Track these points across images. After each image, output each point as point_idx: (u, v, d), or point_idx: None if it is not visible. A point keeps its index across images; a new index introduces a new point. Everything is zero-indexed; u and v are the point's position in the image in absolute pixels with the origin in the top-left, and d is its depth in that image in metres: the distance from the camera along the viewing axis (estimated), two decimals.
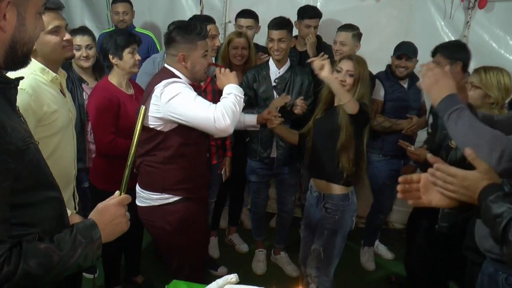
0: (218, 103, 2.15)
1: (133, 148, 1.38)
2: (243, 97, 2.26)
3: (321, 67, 2.35)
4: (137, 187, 2.35)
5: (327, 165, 2.52)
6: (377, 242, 3.81)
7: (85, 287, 3.04)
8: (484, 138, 1.50)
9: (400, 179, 1.38)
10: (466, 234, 2.55)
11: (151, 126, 2.20)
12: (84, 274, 3.12)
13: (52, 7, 1.90)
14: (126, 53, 2.61)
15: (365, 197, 3.81)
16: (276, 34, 3.03)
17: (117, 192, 1.38)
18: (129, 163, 1.38)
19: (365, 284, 3.45)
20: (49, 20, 1.89)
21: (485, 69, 2.36)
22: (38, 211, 1.23)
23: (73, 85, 2.80)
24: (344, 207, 2.55)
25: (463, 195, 1.29)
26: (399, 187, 1.37)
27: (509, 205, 1.17)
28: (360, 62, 2.50)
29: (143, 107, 1.40)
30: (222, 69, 2.36)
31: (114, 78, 2.69)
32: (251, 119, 2.76)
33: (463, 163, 2.36)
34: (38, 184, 1.22)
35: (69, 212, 1.92)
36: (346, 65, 2.48)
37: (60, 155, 2.01)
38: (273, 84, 3.15)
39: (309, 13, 3.53)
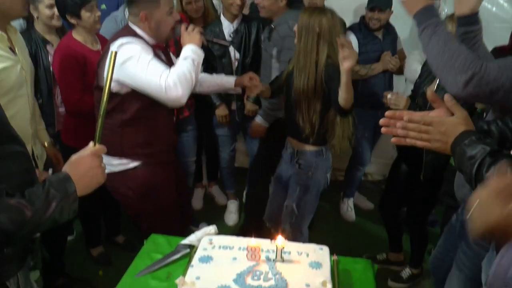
0: (173, 68, 2.03)
1: (105, 96, 1.31)
2: (201, 60, 2.12)
3: (346, 57, 2.01)
4: None
5: (297, 123, 2.45)
6: (356, 194, 3.85)
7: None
8: (458, 59, 1.43)
9: (386, 113, 1.33)
10: (444, 181, 2.59)
11: None
12: None
13: None
14: (84, 12, 2.48)
15: (344, 150, 3.82)
16: None
17: (91, 143, 1.32)
18: (101, 112, 1.32)
19: (346, 234, 3.50)
20: None
21: None
22: (3, 166, 1.19)
23: (37, 47, 2.64)
24: (317, 164, 2.50)
25: (437, 142, 1.25)
26: (382, 121, 1.33)
27: (482, 145, 1.14)
28: (311, 13, 2.30)
29: (113, 52, 1.33)
30: (190, 27, 2.20)
31: (78, 34, 2.57)
32: (228, 82, 2.61)
33: None
34: (0, 137, 1.17)
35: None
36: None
37: (12, 114, 1.89)
38: (229, 39, 3.03)
39: None
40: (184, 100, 2.04)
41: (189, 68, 2.04)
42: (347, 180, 3.75)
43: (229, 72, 3.04)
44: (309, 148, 2.49)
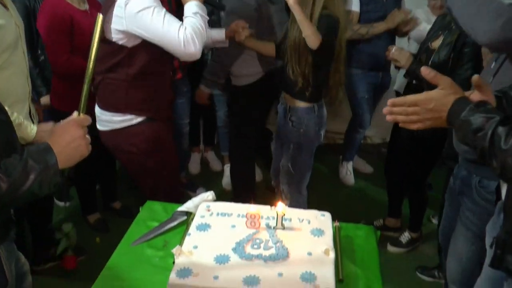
0: (185, 23, 1.96)
1: (91, 63, 1.23)
2: (207, 17, 2.07)
3: None
4: (97, 110, 2.18)
5: (288, 78, 2.37)
6: (355, 157, 3.79)
7: (58, 215, 2.99)
8: (491, 4, 1.36)
9: (388, 101, 1.25)
10: (446, 142, 2.52)
11: (113, 40, 2.00)
12: (56, 202, 3.05)
13: None
14: None
15: (344, 112, 3.76)
16: None
17: (75, 113, 1.23)
18: (87, 80, 1.23)
19: (345, 198, 3.47)
20: None
21: None
22: None
23: (35, 1, 2.52)
24: (309, 121, 2.44)
25: (429, 120, 1.17)
26: (385, 110, 1.25)
27: (485, 114, 1.06)
28: None
29: (100, 16, 1.23)
30: None
31: None
32: (218, 34, 2.56)
33: (445, 66, 2.28)
34: None
35: (34, 128, 1.78)
36: None
37: (11, 72, 1.85)
38: None
39: None
40: (199, 55, 1.99)
41: (201, 23, 1.98)
42: (346, 143, 3.69)
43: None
44: (301, 104, 2.43)
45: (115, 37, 1.98)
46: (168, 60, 2.16)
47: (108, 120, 2.15)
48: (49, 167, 1.10)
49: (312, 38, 2.16)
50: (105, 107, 2.14)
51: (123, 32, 1.96)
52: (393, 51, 2.44)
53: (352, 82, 3.35)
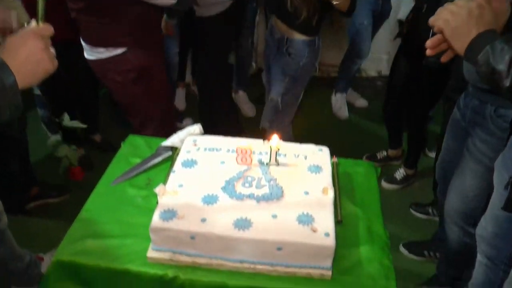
0: None
1: None
2: None
3: None
4: (82, 41, 2.04)
5: (288, 8, 2.14)
6: (349, 91, 3.63)
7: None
8: None
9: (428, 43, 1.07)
10: (452, 75, 2.36)
11: None
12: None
13: None
14: None
15: (339, 43, 3.55)
16: None
17: (33, 22, 1.01)
18: None
19: (340, 132, 3.34)
20: None
21: None
22: None
23: None
24: (310, 53, 2.27)
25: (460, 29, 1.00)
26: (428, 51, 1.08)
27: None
28: None
29: None
30: None
31: None
32: None
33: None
34: None
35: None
36: None
37: None
38: None
39: None
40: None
41: None
42: (341, 75, 3.51)
43: None
44: (302, 37, 2.23)
45: None
46: None
47: (93, 50, 2.01)
48: (5, 87, 0.91)
49: (346, 2, 2.01)
50: (86, 41, 2.01)
51: None
52: None
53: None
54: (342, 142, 3.11)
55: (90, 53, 2.04)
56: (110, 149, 2.91)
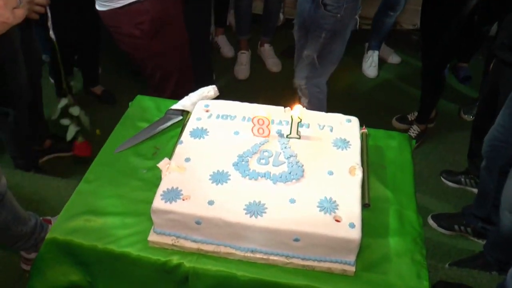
0: None
1: None
2: None
3: None
4: None
5: None
6: (383, 46, 3.37)
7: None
8: None
9: None
10: (501, 30, 2.10)
11: None
12: None
13: None
14: None
15: None
16: None
17: None
18: None
19: (368, 91, 3.12)
20: None
21: None
22: None
23: None
24: (348, 3, 2.04)
25: None
26: None
27: None
28: None
29: None
30: None
31: None
32: None
33: None
34: None
35: None
36: None
37: None
38: None
39: None
40: None
41: None
42: (374, 29, 3.24)
43: None
44: None
45: None
46: None
47: None
48: None
49: None
50: None
51: None
52: None
53: None
54: (372, 102, 2.92)
55: (101, 4, 1.84)
56: (111, 101, 2.86)
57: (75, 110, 2.38)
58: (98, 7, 1.86)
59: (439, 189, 2.46)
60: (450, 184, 2.48)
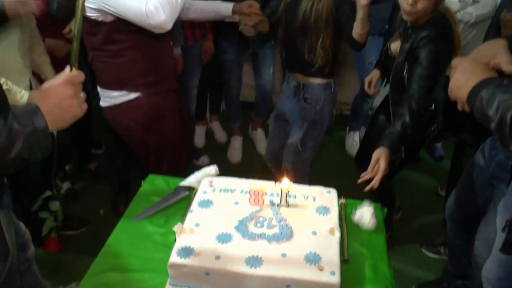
0: None
1: (79, 10, 1.09)
2: None
3: None
4: (98, 87, 2.15)
5: (303, 57, 2.28)
6: (362, 128, 3.72)
7: None
8: None
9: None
10: (459, 114, 2.42)
11: (91, 17, 1.90)
12: None
13: None
14: None
15: (351, 82, 3.66)
16: None
17: (67, 69, 1.11)
18: (75, 33, 1.11)
19: (351, 170, 3.40)
20: None
21: None
22: None
23: None
24: (326, 97, 2.37)
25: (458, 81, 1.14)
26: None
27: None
28: None
29: None
30: None
31: None
32: (225, 8, 2.40)
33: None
34: None
35: (25, 94, 1.72)
36: None
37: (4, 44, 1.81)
38: None
39: None
40: (168, 25, 1.86)
41: None
42: (353, 113, 3.60)
43: None
44: (318, 81, 2.34)
45: (91, 14, 1.89)
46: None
47: (108, 96, 2.10)
48: (37, 130, 1.01)
49: (365, 35, 2.10)
50: (102, 85, 2.10)
51: (95, 9, 1.87)
52: None
53: None
54: (354, 180, 3.19)
55: (104, 100, 2.13)
56: (106, 175, 2.96)
57: (54, 206, 2.42)
58: (101, 103, 2.15)
59: (420, 260, 2.62)
60: (431, 254, 2.63)
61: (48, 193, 2.30)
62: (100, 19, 1.89)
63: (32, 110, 1.02)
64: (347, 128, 3.67)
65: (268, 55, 3.18)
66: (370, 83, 2.35)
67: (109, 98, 2.10)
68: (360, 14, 2.01)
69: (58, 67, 2.22)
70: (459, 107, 1.18)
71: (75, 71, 1.10)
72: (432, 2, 1.88)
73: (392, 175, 2.31)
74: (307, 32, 2.21)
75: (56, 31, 2.40)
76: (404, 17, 1.94)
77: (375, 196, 2.37)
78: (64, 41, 2.46)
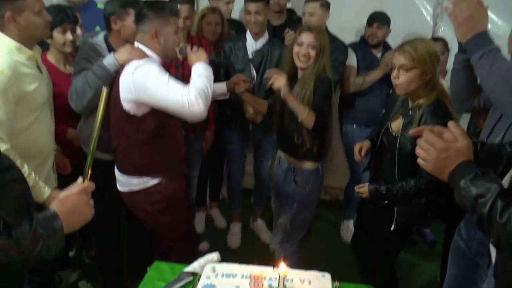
0: (190, 85, 2.07)
1: (95, 133, 1.32)
2: (212, 75, 2.19)
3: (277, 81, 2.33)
4: (116, 172, 2.30)
5: (293, 140, 2.49)
6: (356, 215, 3.83)
7: None
8: None
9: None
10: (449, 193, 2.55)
11: (124, 108, 2.12)
12: None
13: None
14: (56, 33, 2.51)
15: (344, 168, 3.84)
16: (253, 6, 2.98)
17: (79, 179, 1.33)
18: (91, 148, 1.33)
19: (346, 257, 3.48)
20: (33, 1, 1.90)
21: (410, 45, 2.08)
22: (1, 195, 1.22)
23: None
24: (315, 180, 2.54)
25: (434, 167, 1.21)
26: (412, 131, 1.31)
27: (488, 183, 1.12)
28: (320, 33, 2.42)
29: (104, 89, 1.34)
30: (194, 47, 2.29)
31: (52, 55, 2.61)
32: (220, 87, 2.71)
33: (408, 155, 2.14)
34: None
35: (47, 191, 1.90)
36: (307, 38, 2.39)
37: (37, 130, 1.98)
38: (250, 57, 3.09)
39: None
40: (205, 114, 2.07)
41: (206, 84, 2.09)
42: (346, 201, 3.75)
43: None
44: (307, 165, 2.52)
45: (125, 105, 2.10)
46: (177, 122, 2.26)
47: (127, 182, 2.26)
48: (55, 233, 1.19)
49: (307, 121, 2.32)
50: (123, 171, 2.26)
51: (132, 100, 2.08)
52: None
53: (348, 138, 3.48)
54: (348, 265, 3.25)
55: (123, 185, 2.28)
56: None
57: (83, 285, 2.60)
58: (119, 187, 2.30)
59: None
60: None
61: (74, 276, 2.37)
62: (132, 112, 2.10)
63: (52, 216, 1.22)
64: (342, 215, 3.78)
65: (269, 149, 3.37)
66: (360, 150, 2.45)
67: (128, 184, 2.26)
68: (288, 103, 2.33)
69: (71, 156, 2.47)
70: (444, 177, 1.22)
71: (87, 182, 1.32)
72: (415, 77, 2.06)
73: (392, 258, 2.44)
74: (295, 119, 2.40)
75: (74, 117, 2.56)
76: (396, 91, 2.16)
77: (379, 282, 2.49)
78: None
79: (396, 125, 2.23)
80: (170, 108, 2.05)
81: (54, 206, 1.25)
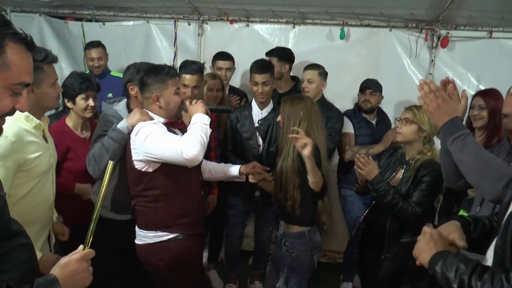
0: (185, 134, 2.24)
1: (99, 202, 1.38)
2: (208, 122, 2.32)
3: (304, 145, 2.27)
4: (136, 227, 2.40)
5: (285, 207, 2.54)
6: (356, 277, 3.80)
7: None
8: (493, 166, 1.56)
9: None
10: None
11: (137, 168, 2.27)
12: None
13: (52, 61, 2.00)
14: (79, 99, 2.67)
15: (343, 231, 3.84)
16: (260, 77, 3.10)
17: (80, 247, 1.37)
18: (94, 216, 1.38)
19: None
20: (51, 74, 2.00)
21: (417, 106, 2.58)
22: (8, 259, 1.24)
23: None
24: (300, 245, 2.54)
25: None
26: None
27: (462, 264, 1.25)
28: (284, 102, 2.59)
29: (110, 163, 1.42)
30: (193, 101, 2.44)
31: (71, 120, 2.76)
32: (234, 170, 2.77)
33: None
34: (4, 235, 1.23)
35: (39, 254, 1.93)
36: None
37: (36, 198, 2.01)
38: (256, 125, 3.20)
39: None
40: (200, 158, 2.21)
41: (199, 131, 2.23)
42: (345, 264, 3.73)
43: (255, 154, 3.17)
44: (294, 229, 2.55)
45: (138, 165, 2.27)
46: (192, 179, 2.39)
47: (143, 236, 2.35)
48: None
49: (319, 183, 2.39)
50: (141, 226, 2.36)
51: (141, 160, 2.25)
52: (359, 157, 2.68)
53: (347, 203, 3.52)
54: None
55: (140, 239, 2.37)
56: None
57: None
58: (136, 241, 2.38)
59: None
60: None
61: None
62: (144, 169, 2.25)
63: (52, 280, 1.26)
64: (341, 277, 3.76)
65: (270, 218, 3.43)
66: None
67: (144, 237, 2.34)
68: (307, 164, 2.32)
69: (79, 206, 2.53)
70: (417, 262, 1.40)
71: (87, 249, 1.37)
72: (414, 130, 2.60)
73: None
74: (285, 183, 2.49)
75: (86, 178, 2.67)
76: (397, 139, 2.71)
77: None
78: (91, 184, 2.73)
79: (396, 179, 2.65)
80: (169, 157, 2.20)
81: (54, 271, 1.29)
